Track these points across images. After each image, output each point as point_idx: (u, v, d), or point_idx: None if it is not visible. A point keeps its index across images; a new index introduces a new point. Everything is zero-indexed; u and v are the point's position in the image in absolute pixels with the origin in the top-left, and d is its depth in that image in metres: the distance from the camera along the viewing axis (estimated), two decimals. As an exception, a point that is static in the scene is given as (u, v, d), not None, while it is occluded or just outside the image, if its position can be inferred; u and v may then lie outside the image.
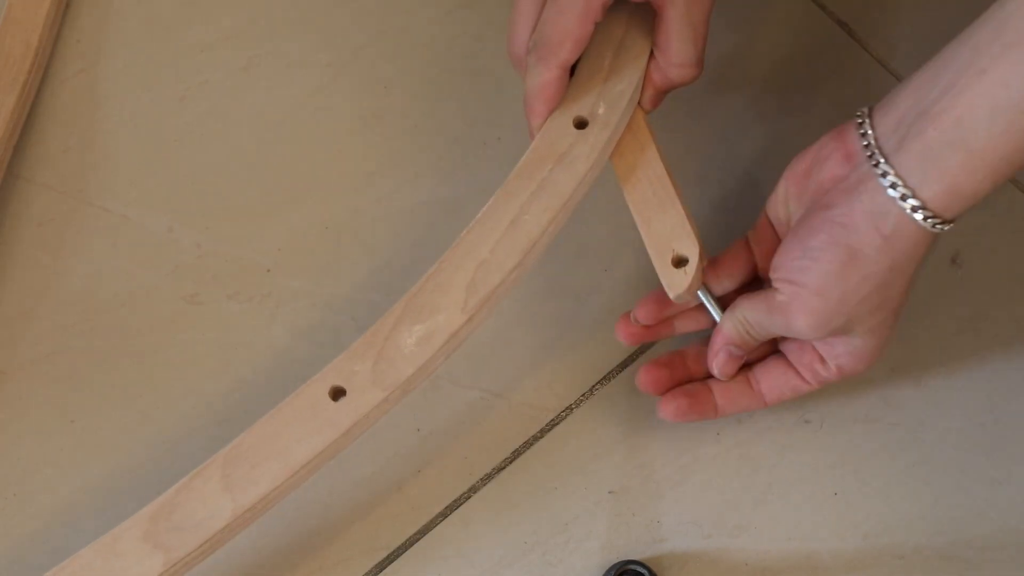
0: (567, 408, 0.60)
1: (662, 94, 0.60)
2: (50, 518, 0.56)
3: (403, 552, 0.57)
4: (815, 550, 0.57)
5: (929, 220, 0.50)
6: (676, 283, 0.55)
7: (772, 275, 0.55)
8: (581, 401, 0.61)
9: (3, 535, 0.55)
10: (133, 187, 0.64)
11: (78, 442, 0.58)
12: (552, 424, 0.60)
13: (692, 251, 0.56)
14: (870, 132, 0.51)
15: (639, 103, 0.59)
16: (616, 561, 0.56)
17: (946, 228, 0.51)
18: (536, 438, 0.60)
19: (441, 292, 0.54)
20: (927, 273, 0.64)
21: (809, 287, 0.52)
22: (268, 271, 0.62)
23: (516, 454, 0.59)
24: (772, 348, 0.59)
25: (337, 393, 0.52)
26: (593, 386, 0.61)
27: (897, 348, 0.62)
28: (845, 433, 0.60)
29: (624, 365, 0.61)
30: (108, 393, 0.59)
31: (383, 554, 0.56)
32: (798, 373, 0.57)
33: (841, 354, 0.55)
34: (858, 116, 0.52)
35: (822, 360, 0.56)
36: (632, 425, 0.60)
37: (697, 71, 0.59)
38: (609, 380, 0.61)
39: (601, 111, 0.57)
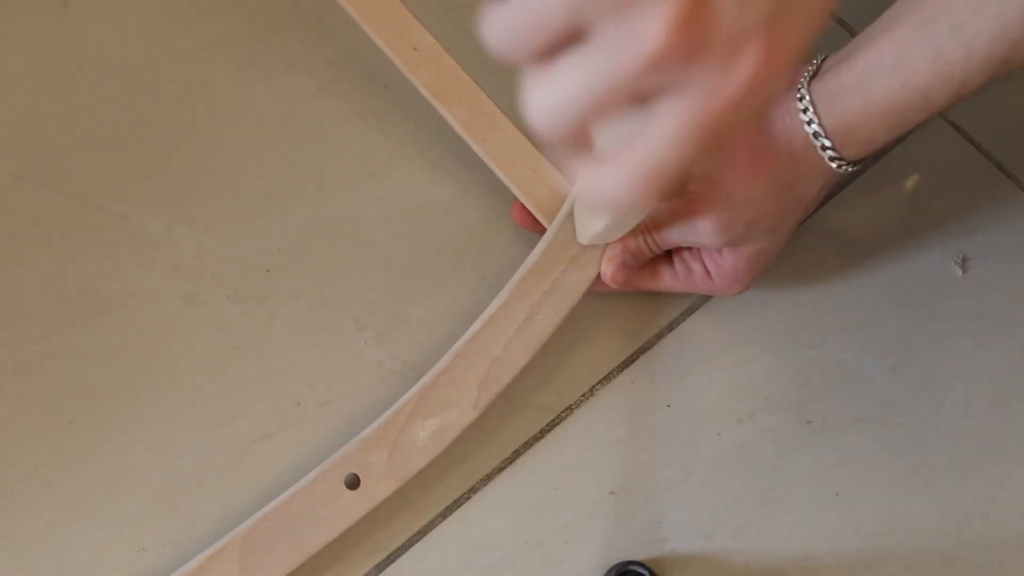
0: (567, 408, 0.60)
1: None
2: (50, 518, 0.56)
3: (403, 552, 0.57)
4: (816, 551, 0.57)
5: (828, 151, 0.53)
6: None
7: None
8: (581, 401, 0.60)
9: (3, 535, 0.55)
10: (133, 187, 0.64)
11: (78, 442, 0.58)
12: (552, 424, 0.60)
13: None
14: (813, 64, 0.55)
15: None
16: (617, 561, 0.56)
17: (842, 168, 0.54)
18: (536, 438, 0.59)
19: (454, 387, 0.56)
20: (929, 273, 0.64)
21: (720, 185, 0.54)
22: (268, 271, 0.62)
23: (516, 454, 0.59)
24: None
25: (352, 482, 0.54)
26: (593, 386, 0.61)
27: (898, 348, 0.62)
28: (846, 433, 0.60)
29: (624, 365, 0.61)
30: (108, 393, 0.59)
31: (383, 554, 0.56)
32: (672, 268, 0.60)
33: (726, 273, 0.58)
34: (820, 55, 0.56)
35: (706, 271, 0.58)
36: (632, 425, 0.60)
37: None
38: (609, 380, 0.61)
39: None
